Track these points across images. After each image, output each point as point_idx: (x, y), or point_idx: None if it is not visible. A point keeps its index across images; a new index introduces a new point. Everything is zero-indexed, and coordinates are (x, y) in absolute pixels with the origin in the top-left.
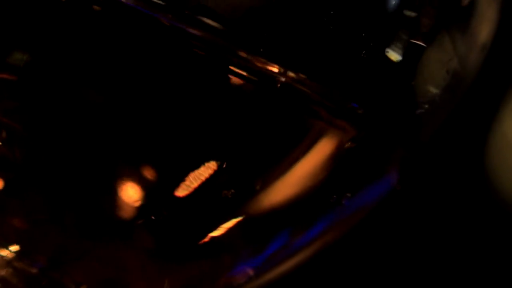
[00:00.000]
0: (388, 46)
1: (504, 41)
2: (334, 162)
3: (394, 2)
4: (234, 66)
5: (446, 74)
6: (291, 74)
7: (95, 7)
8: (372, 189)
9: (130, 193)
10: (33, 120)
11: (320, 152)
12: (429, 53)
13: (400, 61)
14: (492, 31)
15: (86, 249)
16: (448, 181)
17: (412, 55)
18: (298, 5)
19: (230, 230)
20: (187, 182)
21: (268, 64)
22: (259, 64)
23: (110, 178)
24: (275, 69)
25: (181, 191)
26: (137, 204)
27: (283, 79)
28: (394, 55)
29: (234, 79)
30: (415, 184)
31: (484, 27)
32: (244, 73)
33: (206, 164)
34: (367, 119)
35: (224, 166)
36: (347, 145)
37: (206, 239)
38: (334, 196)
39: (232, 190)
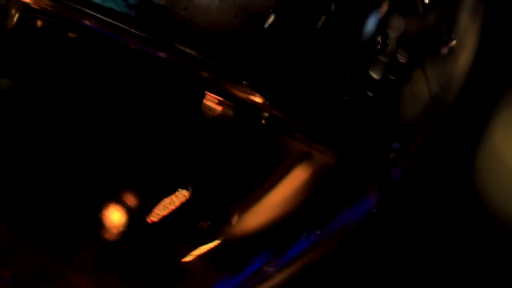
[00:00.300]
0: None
1: (491, 56)
2: (311, 186)
3: (370, 32)
4: (209, 92)
5: (423, 102)
6: (267, 99)
7: (70, 34)
8: (350, 212)
9: (108, 219)
10: (13, 144)
11: (297, 177)
12: (406, 85)
13: (378, 89)
14: (471, 59)
15: (61, 273)
16: (437, 193)
17: (388, 87)
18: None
19: (202, 256)
20: (159, 209)
21: (242, 90)
22: (235, 92)
23: (87, 203)
24: (246, 95)
25: (154, 217)
26: (115, 229)
27: (264, 113)
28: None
29: (209, 105)
30: (404, 195)
31: (463, 56)
32: (219, 99)
33: (180, 191)
34: (344, 144)
35: (198, 193)
36: (324, 170)
37: (180, 265)
38: (304, 233)
39: (208, 222)
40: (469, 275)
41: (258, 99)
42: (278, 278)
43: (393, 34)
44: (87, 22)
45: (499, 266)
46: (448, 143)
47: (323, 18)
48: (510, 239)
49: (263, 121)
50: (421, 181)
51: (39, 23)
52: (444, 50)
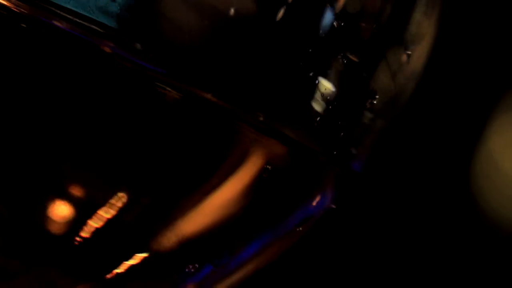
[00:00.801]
0: (322, 74)
1: (487, 61)
2: (262, 183)
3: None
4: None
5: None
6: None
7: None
8: (304, 210)
9: (58, 214)
10: None
11: (248, 173)
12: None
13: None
14: (426, 53)
15: (13, 270)
16: (434, 199)
17: (347, 74)
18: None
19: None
20: (100, 213)
21: (190, 82)
22: (180, 83)
23: (37, 198)
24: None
25: (96, 221)
26: (65, 226)
27: (207, 96)
28: (326, 84)
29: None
30: (398, 199)
31: (418, 50)
32: (164, 91)
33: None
34: (296, 137)
35: (139, 193)
36: (276, 165)
37: (118, 271)
38: (257, 233)
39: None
40: (465, 279)
41: (204, 93)
42: (232, 279)
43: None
44: (58, 24)
45: (495, 270)
46: (445, 147)
47: (282, 10)
48: (506, 244)
49: (210, 114)
50: (416, 185)
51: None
52: (399, 44)
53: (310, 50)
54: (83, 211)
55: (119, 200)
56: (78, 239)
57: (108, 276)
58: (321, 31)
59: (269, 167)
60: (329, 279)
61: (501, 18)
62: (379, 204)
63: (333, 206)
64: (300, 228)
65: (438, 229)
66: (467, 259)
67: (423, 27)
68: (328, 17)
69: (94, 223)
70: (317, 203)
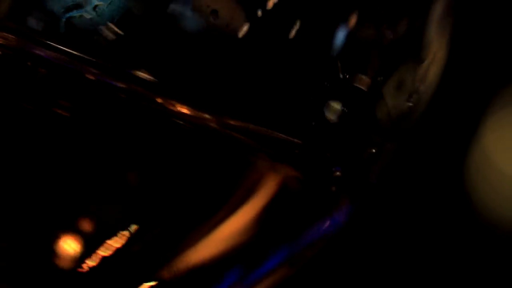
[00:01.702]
0: (331, 97)
1: (480, 61)
2: (277, 204)
3: (338, 46)
4: (169, 117)
5: (389, 115)
6: (227, 121)
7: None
8: (319, 228)
9: (65, 245)
10: None
11: (262, 195)
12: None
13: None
14: (440, 71)
15: None
16: (427, 196)
17: (356, 100)
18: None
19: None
20: (109, 242)
21: (202, 113)
22: (193, 115)
23: (44, 231)
24: (207, 116)
25: (105, 251)
26: (72, 256)
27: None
28: (336, 105)
29: (169, 131)
30: (392, 199)
31: (435, 61)
32: (180, 124)
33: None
34: (309, 161)
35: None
36: (289, 187)
37: None
38: (273, 251)
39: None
40: (459, 277)
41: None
42: None
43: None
44: (42, 53)
45: (489, 268)
46: (438, 146)
47: (296, 28)
48: (500, 242)
49: (225, 145)
50: (412, 183)
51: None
52: (414, 62)
53: (321, 72)
54: (92, 241)
55: (129, 230)
56: (86, 268)
57: None
58: (332, 53)
59: (284, 187)
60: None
61: (497, 18)
62: (374, 201)
63: (347, 220)
64: (315, 245)
65: (432, 226)
66: (461, 256)
67: (436, 45)
68: (339, 38)
69: (103, 252)
70: (331, 221)
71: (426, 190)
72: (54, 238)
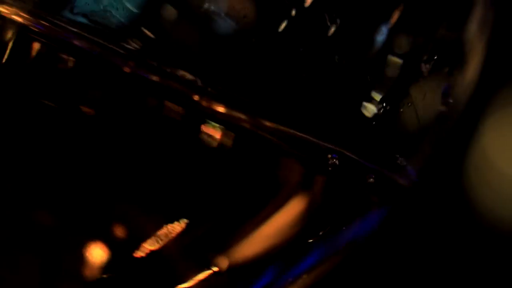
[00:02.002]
0: (365, 99)
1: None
2: (315, 205)
3: (379, 45)
4: (209, 119)
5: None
6: (266, 123)
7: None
8: (356, 227)
9: (98, 250)
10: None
11: (300, 198)
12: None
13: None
14: (477, 73)
15: None
16: (427, 195)
17: (390, 103)
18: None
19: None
20: (161, 235)
21: (241, 116)
22: (234, 116)
23: (78, 235)
24: (242, 116)
25: (152, 245)
26: (103, 260)
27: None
28: (370, 108)
29: (207, 131)
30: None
31: (472, 66)
32: (221, 127)
33: (179, 220)
34: (344, 168)
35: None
36: (327, 189)
37: None
38: (311, 248)
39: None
40: (458, 277)
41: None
42: None
43: (398, 51)
44: (81, 44)
45: (488, 268)
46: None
47: (334, 27)
48: (499, 241)
49: (264, 149)
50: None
51: (35, 44)
52: (451, 67)
53: (358, 74)
54: (141, 235)
55: (180, 225)
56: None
57: None
58: (369, 54)
59: (320, 190)
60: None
61: (497, 18)
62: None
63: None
64: (351, 244)
65: (430, 224)
66: (461, 256)
67: (474, 49)
68: (378, 39)
69: (150, 246)
70: (366, 221)
71: (425, 190)
72: (108, 228)
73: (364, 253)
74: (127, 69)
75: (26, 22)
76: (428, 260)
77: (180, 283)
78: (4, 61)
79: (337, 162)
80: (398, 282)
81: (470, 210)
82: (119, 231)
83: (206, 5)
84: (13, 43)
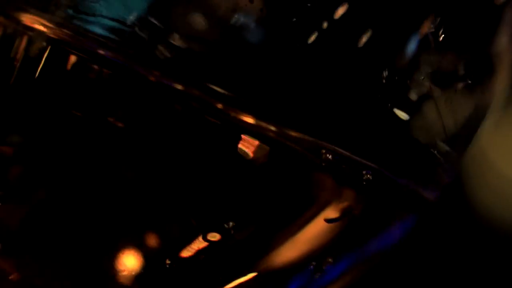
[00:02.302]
0: (396, 105)
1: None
2: (345, 216)
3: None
4: (243, 133)
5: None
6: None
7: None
8: (385, 237)
9: (131, 258)
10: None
11: (331, 209)
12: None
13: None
14: (508, 82)
15: None
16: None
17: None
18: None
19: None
20: (194, 245)
21: (277, 129)
22: (268, 130)
23: (111, 245)
24: (272, 129)
25: (186, 253)
26: (137, 268)
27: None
28: (401, 114)
29: (243, 145)
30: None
31: (501, 78)
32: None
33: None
34: (376, 184)
35: (233, 229)
36: (355, 202)
37: None
38: (313, 263)
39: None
40: (458, 278)
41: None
42: None
43: (426, 69)
44: (107, 54)
45: (489, 269)
46: None
47: (365, 38)
48: (499, 243)
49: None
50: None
51: (66, 55)
52: (483, 73)
53: (388, 81)
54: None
55: (229, 226)
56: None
57: None
58: (400, 63)
59: (350, 202)
60: None
61: None
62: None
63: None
64: (380, 254)
65: (431, 227)
66: (460, 256)
67: (506, 54)
68: (410, 48)
69: (199, 245)
70: (397, 231)
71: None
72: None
73: (390, 262)
74: (152, 78)
75: (53, 34)
76: (428, 260)
77: None
78: (37, 74)
79: (370, 177)
80: (397, 282)
81: (470, 210)
82: (154, 240)
83: (235, 17)
84: (43, 55)
